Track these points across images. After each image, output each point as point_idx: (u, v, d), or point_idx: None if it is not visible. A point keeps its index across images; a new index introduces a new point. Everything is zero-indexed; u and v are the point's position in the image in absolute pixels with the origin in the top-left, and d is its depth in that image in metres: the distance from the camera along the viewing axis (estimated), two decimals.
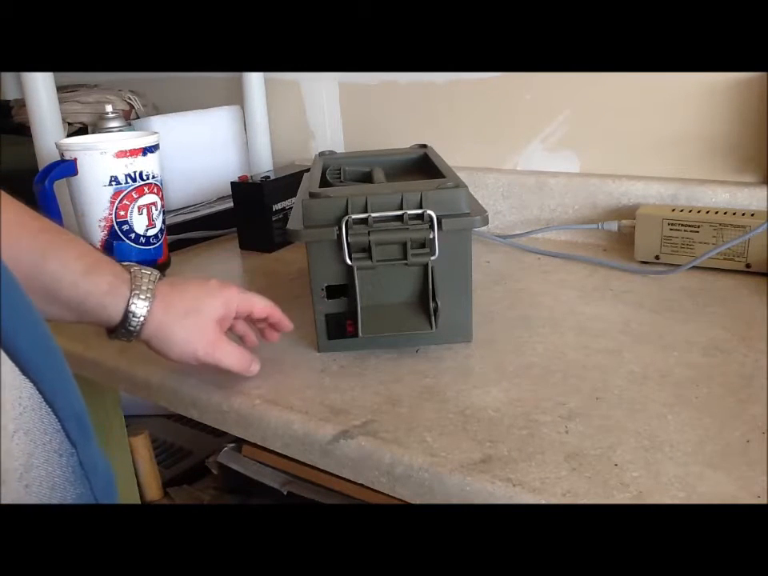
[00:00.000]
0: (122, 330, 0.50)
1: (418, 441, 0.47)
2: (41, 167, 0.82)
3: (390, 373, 0.57)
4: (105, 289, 0.49)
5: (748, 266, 0.74)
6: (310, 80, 1.14)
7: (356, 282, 0.58)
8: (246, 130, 1.15)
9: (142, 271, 0.51)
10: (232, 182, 0.93)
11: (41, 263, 0.47)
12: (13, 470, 0.32)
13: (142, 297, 0.50)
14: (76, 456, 0.36)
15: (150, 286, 0.50)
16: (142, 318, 0.50)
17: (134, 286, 0.50)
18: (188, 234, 0.99)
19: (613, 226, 0.84)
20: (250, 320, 0.60)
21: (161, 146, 0.78)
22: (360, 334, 0.58)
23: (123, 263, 0.52)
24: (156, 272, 0.52)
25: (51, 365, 0.35)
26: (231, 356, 0.54)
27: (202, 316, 0.53)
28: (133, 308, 0.50)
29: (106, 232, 0.75)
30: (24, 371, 0.33)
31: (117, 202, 0.74)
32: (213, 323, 0.53)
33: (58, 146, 0.75)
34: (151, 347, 0.53)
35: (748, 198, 0.78)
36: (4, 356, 0.32)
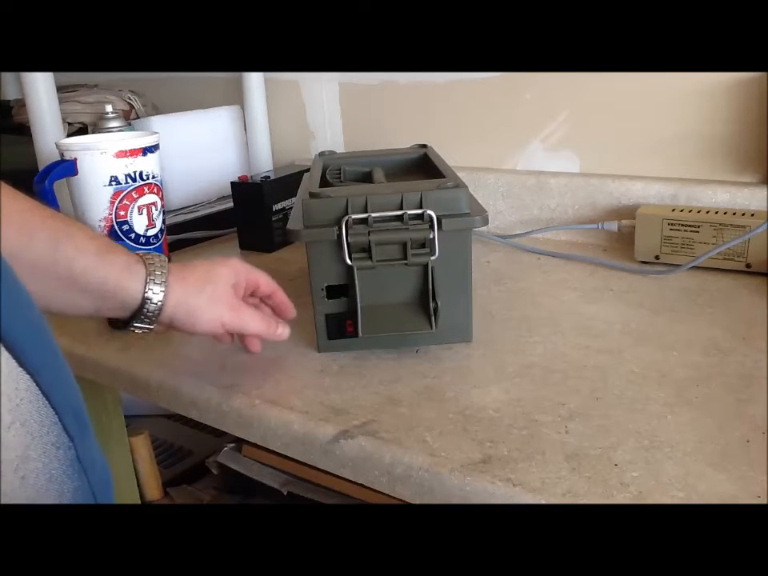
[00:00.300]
0: (142, 314, 0.51)
1: (418, 441, 0.47)
2: (41, 167, 0.82)
3: (390, 373, 0.57)
4: (122, 266, 0.49)
5: (748, 265, 0.74)
6: (310, 80, 1.14)
7: (356, 282, 0.58)
8: (246, 129, 1.15)
9: (150, 254, 0.52)
10: (232, 182, 0.93)
11: (53, 248, 0.47)
12: (9, 461, 0.32)
13: (158, 273, 0.50)
14: (73, 449, 0.35)
15: (162, 263, 0.51)
16: (161, 295, 0.50)
17: (148, 264, 0.51)
18: (188, 233, 0.99)
19: (613, 226, 0.84)
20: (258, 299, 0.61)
21: (161, 146, 0.78)
22: (360, 333, 0.58)
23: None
24: (162, 255, 0.53)
25: (48, 357, 0.35)
26: (255, 319, 0.55)
27: (218, 284, 0.54)
28: (151, 285, 0.50)
29: (105, 232, 0.75)
30: (21, 363, 0.33)
31: (117, 201, 0.74)
32: (230, 289, 0.55)
33: (58, 146, 0.75)
34: (175, 326, 0.53)
35: (748, 197, 0.78)
36: (1, 347, 0.32)
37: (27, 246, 0.46)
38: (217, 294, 0.53)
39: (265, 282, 0.59)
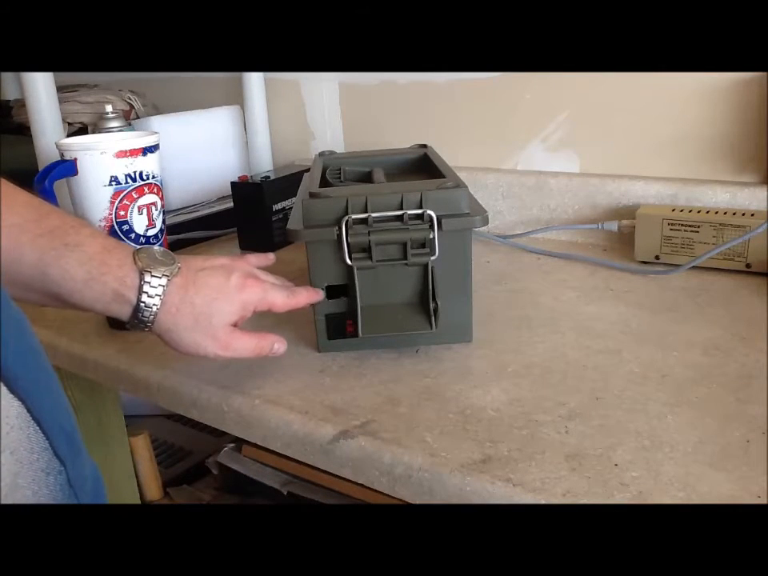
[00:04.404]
0: (132, 326, 0.50)
1: (417, 441, 0.47)
2: (41, 167, 0.82)
3: (389, 373, 0.57)
4: (110, 296, 0.48)
5: (748, 266, 0.73)
6: (310, 80, 1.14)
7: (356, 282, 0.58)
8: (245, 129, 1.15)
9: (153, 275, 0.48)
10: (232, 182, 0.93)
11: (41, 271, 0.45)
12: None
13: (149, 305, 0.48)
14: (64, 473, 0.35)
15: (158, 292, 0.48)
16: (149, 323, 0.49)
17: (140, 293, 0.48)
18: (188, 234, 0.99)
19: (613, 226, 0.84)
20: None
21: (161, 146, 0.78)
22: (360, 333, 0.58)
23: (139, 252, 0.49)
24: (171, 268, 0.50)
25: (40, 382, 0.35)
26: (246, 350, 0.53)
27: (212, 323, 0.51)
28: (139, 315, 0.48)
29: (106, 232, 0.75)
30: (12, 389, 0.32)
31: (117, 202, 0.74)
32: (224, 328, 0.51)
33: (58, 146, 0.75)
34: (163, 341, 0.52)
35: (748, 198, 0.78)
36: None
37: (18, 261, 0.45)
38: (207, 333, 0.51)
39: (279, 308, 0.55)
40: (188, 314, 0.50)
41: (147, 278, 0.48)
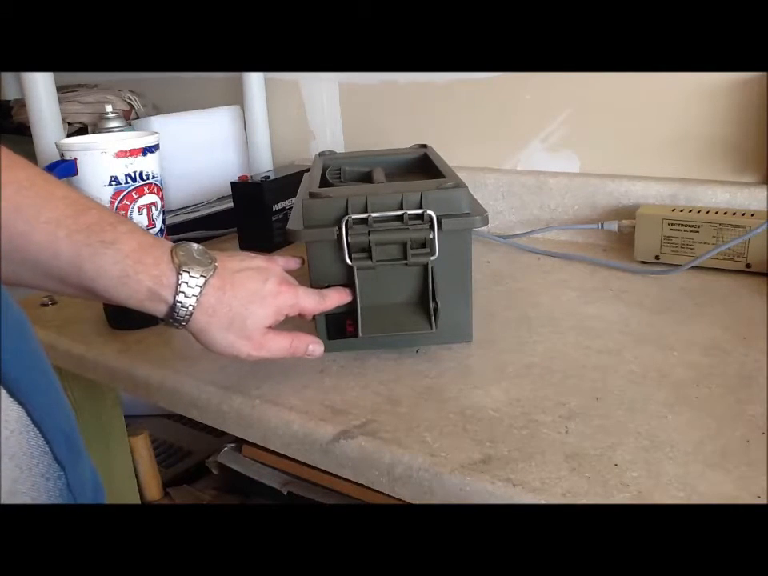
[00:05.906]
0: (167, 323, 0.49)
1: (418, 441, 0.47)
2: (41, 167, 0.82)
3: (390, 373, 0.57)
4: (143, 296, 0.47)
5: (748, 265, 0.73)
6: (310, 80, 1.14)
7: (356, 282, 0.58)
8: (245, 129, 1.15)
9: (191, 275, 0.48)
10: (232, 182, 0.93)
11: (78, 265, 0.45)
12: None
13: (185, 305, 0.48)
14: (64, 478, 0.35)
15: (194, 292, 0.48)
16: (183, 323, 0.49)
17: (176, 292, 0.47)
18: (188, 233, 0.99)
19: (613, 226, 0.84)
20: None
21: (161, 145, 0.78)
22: (360, 333, 0.58)
23: (177, 248, 0.49)
24: (208, 269, 0.49)
25: (40, 385, 0.34)
26: (280, 350, 0.53)
27: (246, 326, 0.50)
28: (174, 315, 0.48)
29: None
30: (12, 392, 0.32)
31: (117, 202, 0.74)
32: (259, 330, 0.51)
33: (58, 146, 0.75)
34: (196, 340, 0.52)
35: (748, 198, 0.78)
36: None
37: (55, 256, 0.44)
38: (242, 334, 0.51)
39: (312, 309, 0.55)
40: (224, 316, 0.50)
41: (185, 277, 0.48)
